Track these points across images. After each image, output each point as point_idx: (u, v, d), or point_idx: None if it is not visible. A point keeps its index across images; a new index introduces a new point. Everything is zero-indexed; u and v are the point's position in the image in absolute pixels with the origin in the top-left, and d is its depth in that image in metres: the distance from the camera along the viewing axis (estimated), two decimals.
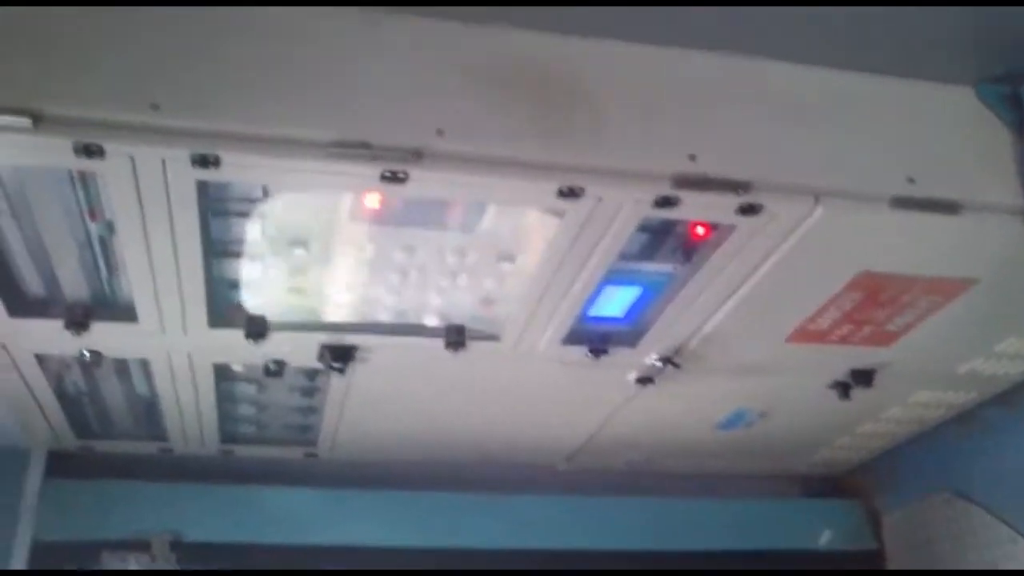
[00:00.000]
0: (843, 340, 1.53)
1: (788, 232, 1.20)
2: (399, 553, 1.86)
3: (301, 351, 1.44)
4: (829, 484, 2.29)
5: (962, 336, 1.55)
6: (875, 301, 1.40)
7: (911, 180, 1.19)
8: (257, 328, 1.36)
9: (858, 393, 1.71)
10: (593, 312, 1.47)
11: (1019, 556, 1.77)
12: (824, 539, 2.16)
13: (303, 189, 1.09)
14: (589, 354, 1.51)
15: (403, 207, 1.19)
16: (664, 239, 1.29)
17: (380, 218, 1.19)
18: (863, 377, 1.67)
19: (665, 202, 1.12)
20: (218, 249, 1.23)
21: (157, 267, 1.19)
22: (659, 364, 1.55)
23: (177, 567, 1.77)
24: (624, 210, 1.14)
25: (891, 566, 2.13)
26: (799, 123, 1.19)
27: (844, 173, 1.18)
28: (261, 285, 1.32)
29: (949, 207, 1.20)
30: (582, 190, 1.09)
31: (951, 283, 1.37)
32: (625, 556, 2.00)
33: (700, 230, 1.26)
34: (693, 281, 1.33)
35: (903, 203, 1.19)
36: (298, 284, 1.32)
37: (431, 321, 1.44)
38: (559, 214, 1.15)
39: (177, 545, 1.78)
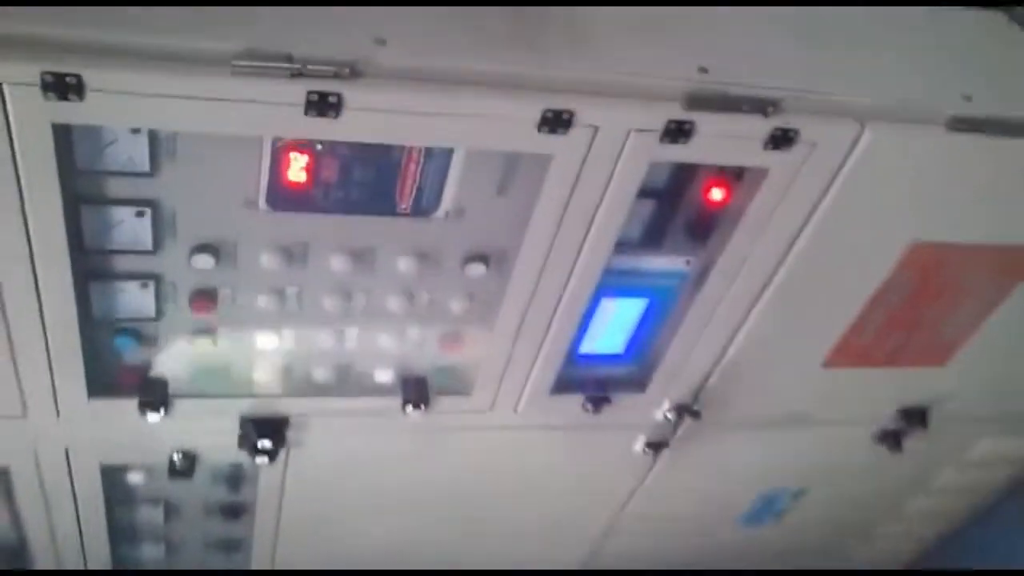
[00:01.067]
0: (891, 360, 1.25)
1: (829, 175, 0.95)
2: None
3: (217, 431, 1.11)
4: None
5: None
6: (928, 290, 1.14)
7: (967, 98, 0.96)
8: (155, 396, 1.03)
9: (911, 446, 1.42)
10: (587, 348, 1.17)
11: None
12: None
13: (199, 126, 0.81)
14: (587, 405, 1.20)
15: (336, 189, 0.91)
16: (672, 216, 1.03)
17: (307, 202, 0.91)
18: (915, 417, 1.38)
19: (678, 131, 0.87)
20: (97, 266, 0.93)
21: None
22: (673, 416, 1.25)
23: None
24: (627, 150, 0.88)
25: None
26: (827, 38, 0.96)
27: (889, 92, 0.95)
28: (160, 329, 1.00)
29: (1017, 128, 0.97)
30: (571, 116, 0.84)
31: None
32: None
33: (717, 193, 1.00)
34: (714, 275, 1.06)
35: (962, 124, 0.95)
36: (207, 322, 1.01)
37: (383, 375, 1.13)
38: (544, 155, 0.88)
39: None
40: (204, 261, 0.93)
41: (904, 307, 1.16)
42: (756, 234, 1.01)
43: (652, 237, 1.04)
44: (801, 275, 1.07)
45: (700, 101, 0.87)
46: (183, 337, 1.02)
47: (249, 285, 0.98)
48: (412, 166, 0.91)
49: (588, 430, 1.26)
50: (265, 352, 1.06)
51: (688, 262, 1.08)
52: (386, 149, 0.89)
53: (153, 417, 1.02)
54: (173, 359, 1.04)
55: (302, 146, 0.87)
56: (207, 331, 1.02)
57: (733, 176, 0.99)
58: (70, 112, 0.74)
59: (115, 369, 1.02)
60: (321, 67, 0.77)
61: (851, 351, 1.21)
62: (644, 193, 0.96)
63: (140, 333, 1.00)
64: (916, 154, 0.96)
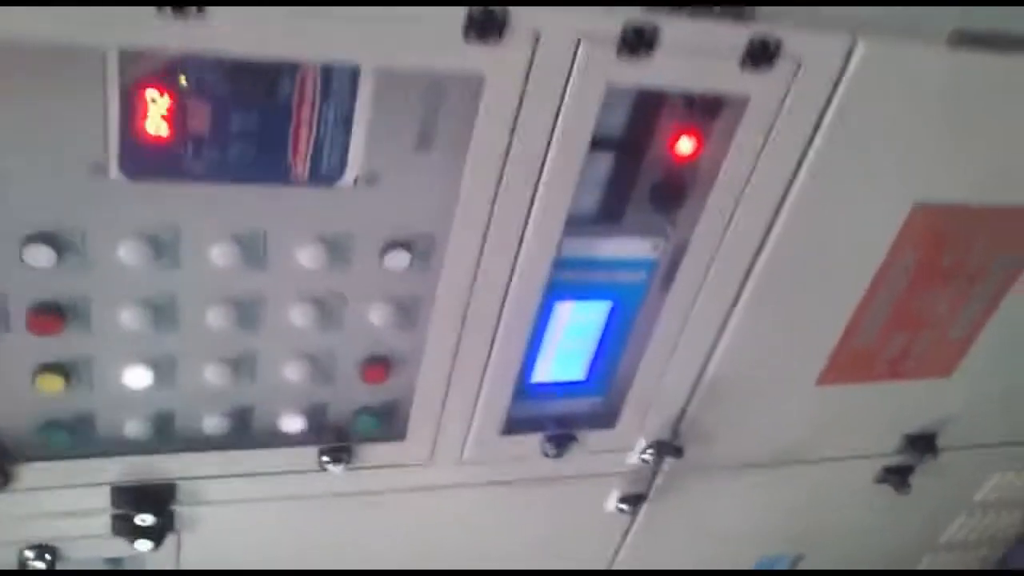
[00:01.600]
0: (893, 371, 1.07)
1: (818, 106, 0.79)
2: None
3: (80, 510, 0.85)
4: None
5: None
6: (933, 272, 0.97)
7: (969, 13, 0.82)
8: None
9: (918, 484, 1.22)
10: (541, 375, 0.96)
11: None
12: None
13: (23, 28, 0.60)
14: (547, 446, 0.98)
15: (209, 146, 0.70)
16: (634, 179, 0.85)
17: (173, 165, 0.70)
18: (923, 444, 1.18)
19: (637, 39, 0.70)
20: None
21: None
22: (651, 457, 1.03)
23: None
24: (578, 65, 0.70)
25: None
26: None
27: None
28: None
29: None
30: (504, 16, 0.65)
31: None
32: None
33: (687, 145, 0.83)
34: (687, 261, 0.87)
35: (966, 39, 0.80)
36: (53, 349, 0.78)
37: (292, 421, 0.89)
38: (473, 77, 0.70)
39: None
40: (40, 255, 0.70)
41: (906, 296, 0.98)
42: (735, 196, 0.83)
43: (611, 211, 0.86)
44: (789, 257, 0.90)
45: None
46: (21, 373, 0.77)
47: (106, 290, 0.75)
48: (306, 110, 0.71)
49: (551, 484, 1.03)
50: (135, 392, 0.82)
51: (656, 247, 0.89)
52: (271, 86, 0.69)
53: None
54: (10, 408, 0.79)
55: (161, 80, 0.66)
56: (54, 365, 0.78)
57: (705, 120, 0.81)
58: None
59: None
60: None
61: (849, 360, 1.02)
62: (598, 144, 0.77)
63: None
64: (914, 91, 0.80)
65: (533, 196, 0.77)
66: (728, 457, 1.09)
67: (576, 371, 0.98)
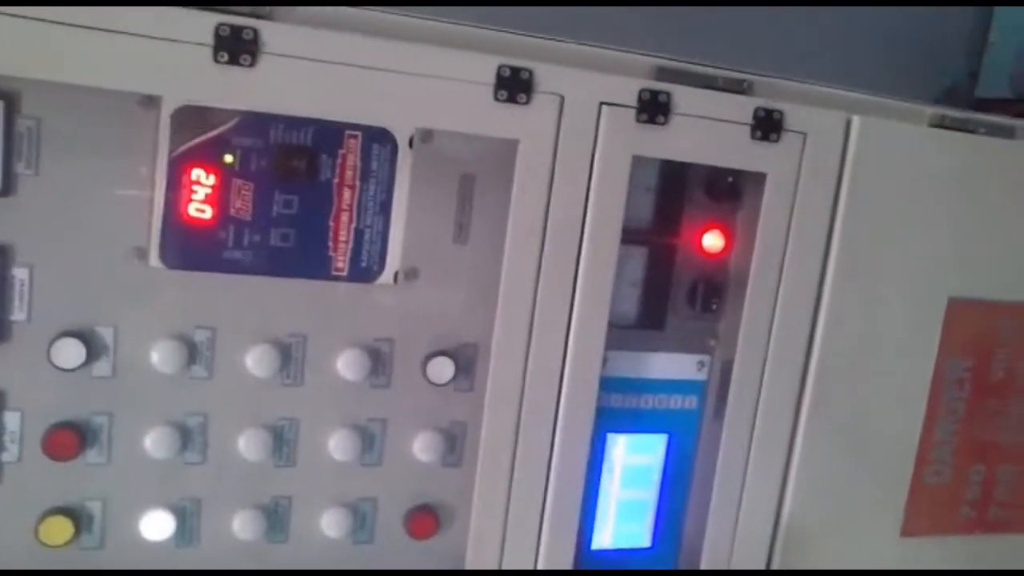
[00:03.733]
0: (981, 520, 0.98)
1: (831, 180, 0.83)
2: None
3: None
4: None
5: None
6: (986, 380, 0.94)
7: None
8: None
9: None
10: (601, 541, 0.87)
11: None
12: None
13: (77, 76, 0.62)
14: None
15: (251, 230, 0.72)
16: (667, 282, 0.85)
17: (213, 253, 0.71)
18: None
19: (653, 104, 0.75)
20: None
21: None
22: None
23: None
24: (602, 129, 0.75)
25: None
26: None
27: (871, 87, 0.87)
28: None
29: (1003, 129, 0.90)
30: (529, 76, 0.72)
31: None
32: None
33: (715, 240, 0.85)
34: (737, 376, 0.84)
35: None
36: (67, 485, 0.70)
37: None
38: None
39: None
40: (70, 353, 0.67)
41: (968, 417, 0.93)
42: (771, 292, 0.83)
43: (651, 315, 0.84)
44: (838, 364, 0.87)
45: (671, 73, 0.77)
46: (26, 515, 0.69)
47: (132, 403, 0.70)
48: (347, 193, 0.73)
49: None
50: (151, 547, 0.72)
51: (702, 366, 0.86)
52: (313, 164, 0.71)
53: None
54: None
55: (208, 158, 0.69)
56: (63, 509, 0.70)
57: (728, 211, 0.84)
58: None
59: None
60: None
61: (928, 502, 0.94)
62: (631, 236, 0.79)
63: None
64: (906, 165, 0.85)
65: (575, 279, 0.76)
66: None
67: (640, 535, 0.88)
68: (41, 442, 0.67)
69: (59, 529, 0.69)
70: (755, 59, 0.82)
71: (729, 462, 0.85)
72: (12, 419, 0.67)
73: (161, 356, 0.69)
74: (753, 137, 0.79)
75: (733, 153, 0.79)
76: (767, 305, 0.83)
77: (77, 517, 0.69)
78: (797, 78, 0.83)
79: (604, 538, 0.87)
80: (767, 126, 0.79)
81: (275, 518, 0.75)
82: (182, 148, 0.68)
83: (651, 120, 0.75)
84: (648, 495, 0.87)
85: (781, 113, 0.79)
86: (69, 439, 0.68)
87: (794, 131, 0.80)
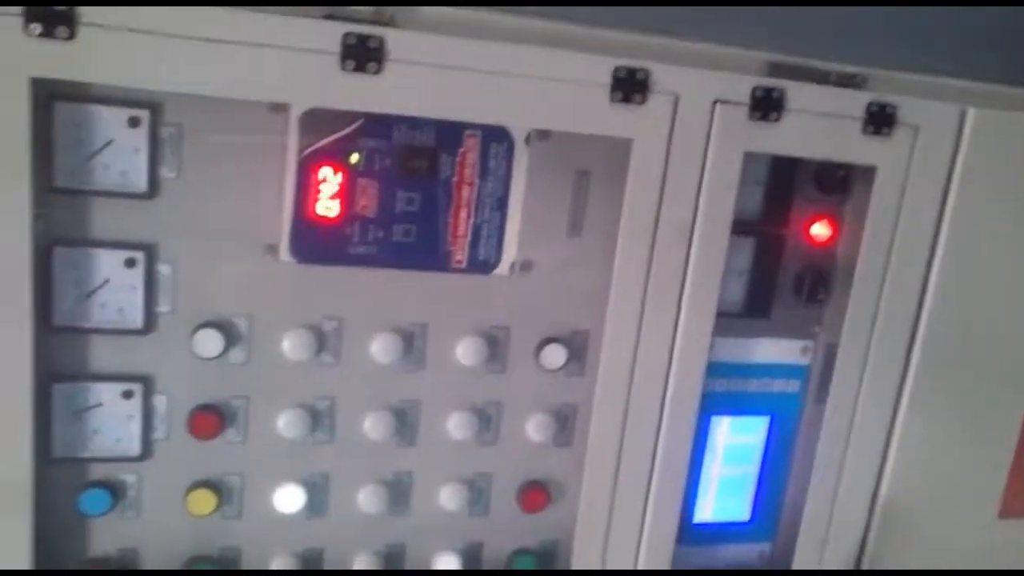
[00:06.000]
0: None
1: (943, 174, 0.82)
2: None
3: None
4: None
5: None
6: None
7: None
8: None
9: None
10: (702, 515, 0.91)
11: None
12: None
13: (210, 87, 0.66)
14: None
15: (375, 226, 0.75)
16: (776, 267, 0.86)
17: (340, 248, 0.74)
18: None
19: (767, 101, 0.76)
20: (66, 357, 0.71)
21: None
22: None
23: None
24: (715, 127, 0.75)
25: None
26: None
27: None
28: (145, 478, 0.75)
29: None
30: (645, 76, 0.73)
31: None
32: None
33: (822, 230, 0.85)
34: (841, 360, 0.86)
35: None
36: (205, 460, 0.76)
37: (446, 560, 0.83)
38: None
39: None
40: (210, 342, 0.72)
41: None
42: (877, 282, 0.84)
43: (758, 304, 0.86)
44: (943, 348, 0.87)
45: (784, 69, 0.77)
46: (175, 490, 0.75)
47: (267, 387, 0.75)
48: (466, 190, 0.75)
49: None
50: (284, 520, 0.78)
51: (806, 351, 0.88)
52: (433, 163, 0.74)
53: None
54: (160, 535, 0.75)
55: (335, 157, 0.72)
56: (206, 482, 0.76)
57: (837, 202, 0.84)
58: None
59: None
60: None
61: None
62: (740, 228, 0.80)
63: (116, 486, 0.74)
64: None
65: (684, 272, 0.78)
66: None
67: (740, 509, 0.91)
68: (186, 422, 0.73)
69: (204, 500, 0.75)
70: (869, 50, 0.82)
71: (830, 442, 0.87)
72: (160, 402, 0.73)
73: (292, 344, 0.74)
74: (865, 132, 0.79)
75: (844, 147, 0.79)
76: (873, 294, 0.84)
77: (219, 490, 0.75)
78: (912, 68, 0.82)
79: (705, 512, 0.90)
80: (879, 120, 0.79)
81: (397, 492, 0.80)
82: (310, 149, 0.71)
83: (764, 117, 0.76)
84: (749, 472, 0.90)
85: (894, 107, 0.79)
86: (211, 420, 0.73)
87: (907, 124, 0.79)
